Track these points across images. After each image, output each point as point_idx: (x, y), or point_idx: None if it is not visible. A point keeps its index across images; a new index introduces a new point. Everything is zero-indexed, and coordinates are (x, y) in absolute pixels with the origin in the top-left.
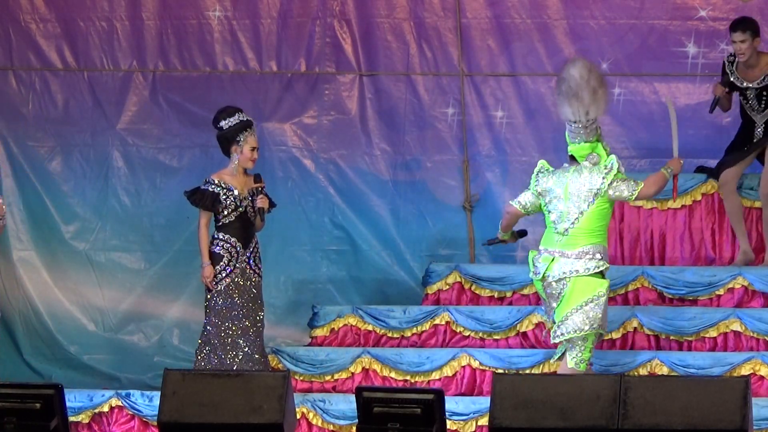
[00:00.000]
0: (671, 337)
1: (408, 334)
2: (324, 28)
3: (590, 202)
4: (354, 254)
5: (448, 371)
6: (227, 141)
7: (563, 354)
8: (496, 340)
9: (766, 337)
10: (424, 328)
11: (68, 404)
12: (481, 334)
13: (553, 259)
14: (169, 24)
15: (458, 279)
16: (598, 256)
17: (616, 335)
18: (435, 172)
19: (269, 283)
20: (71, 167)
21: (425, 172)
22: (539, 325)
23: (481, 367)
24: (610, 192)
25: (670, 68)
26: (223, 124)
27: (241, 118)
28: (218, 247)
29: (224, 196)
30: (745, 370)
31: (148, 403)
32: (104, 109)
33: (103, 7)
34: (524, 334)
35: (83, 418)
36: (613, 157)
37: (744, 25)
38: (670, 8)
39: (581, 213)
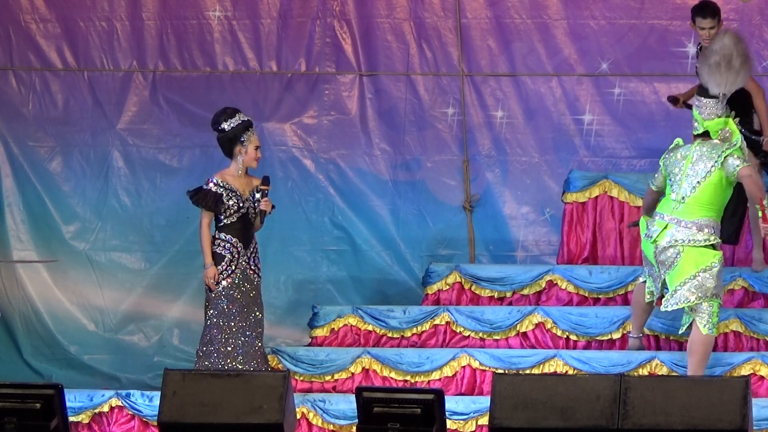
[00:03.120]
0: (671, 337)
1: (408, 334)
2: (324, 28)
3: (708, 173)
4: (354, 254)
5: (448, 371)
6: (230, 142)
7: (690, 324)
8: (496, 340)
9: (766, 338)
10: (424, 329)
11: (68, 404)
12: (481, 334)
13: (666, 226)
14: (169, 24)
15: (458, 279)
16: (710, 230)
17: (616, 335)
18: (435, 172)
19: (269, 283)
20: (71, 167)
21: (425, 172)
22: (539, 325)
23: (481, 367)
24: (725, 164)
25: (670, 68)
26: (225, 125)
27: (242, 119)
28: (220, 248)
29: (227, 197)
30: (745, 370)
31: (148, 403)
32: (104, 109)
33: (103, 7)
34: (524, 334)
35: (83, 418)
36: (740, 136)
37: (712, 10)
38: (670, 8)
39: (698, 183)
